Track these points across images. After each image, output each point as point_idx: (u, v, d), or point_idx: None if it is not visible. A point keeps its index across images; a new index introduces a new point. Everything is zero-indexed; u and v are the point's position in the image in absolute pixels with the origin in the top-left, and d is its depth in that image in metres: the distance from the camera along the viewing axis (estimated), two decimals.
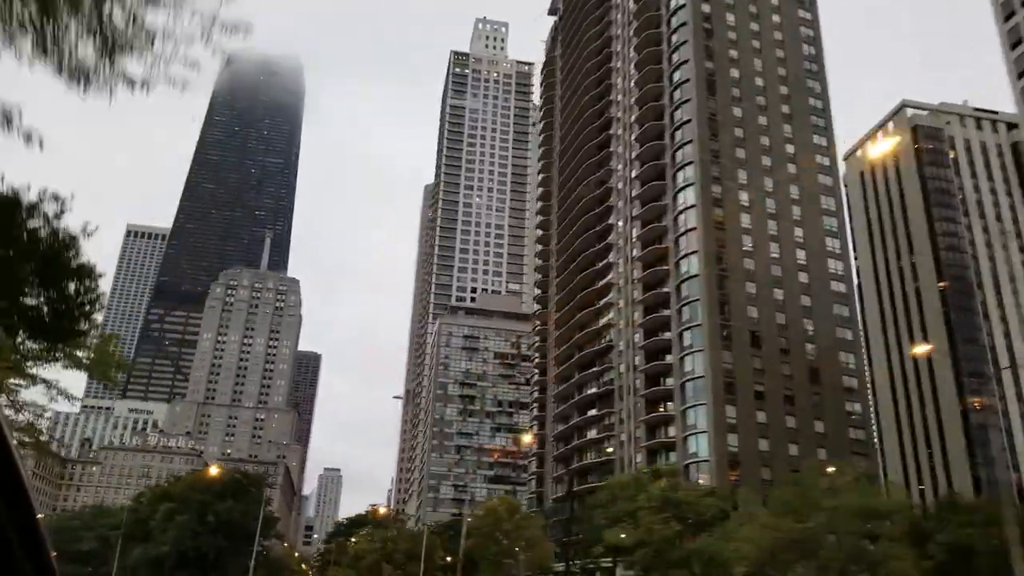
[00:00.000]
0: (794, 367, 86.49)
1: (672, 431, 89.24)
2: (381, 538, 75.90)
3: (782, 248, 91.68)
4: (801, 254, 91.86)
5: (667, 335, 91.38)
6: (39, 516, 1.49)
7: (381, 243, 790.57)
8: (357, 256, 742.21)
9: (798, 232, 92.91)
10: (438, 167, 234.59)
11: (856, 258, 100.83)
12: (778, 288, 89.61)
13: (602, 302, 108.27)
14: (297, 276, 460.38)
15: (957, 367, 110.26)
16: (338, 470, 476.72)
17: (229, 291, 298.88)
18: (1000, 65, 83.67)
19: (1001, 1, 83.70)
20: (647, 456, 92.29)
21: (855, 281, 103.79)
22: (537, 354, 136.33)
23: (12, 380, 22.57)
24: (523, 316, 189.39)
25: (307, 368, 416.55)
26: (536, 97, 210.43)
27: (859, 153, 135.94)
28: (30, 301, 15.13)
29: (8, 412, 24.92)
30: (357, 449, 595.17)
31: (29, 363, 18.78)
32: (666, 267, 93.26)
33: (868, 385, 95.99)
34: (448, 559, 73.30)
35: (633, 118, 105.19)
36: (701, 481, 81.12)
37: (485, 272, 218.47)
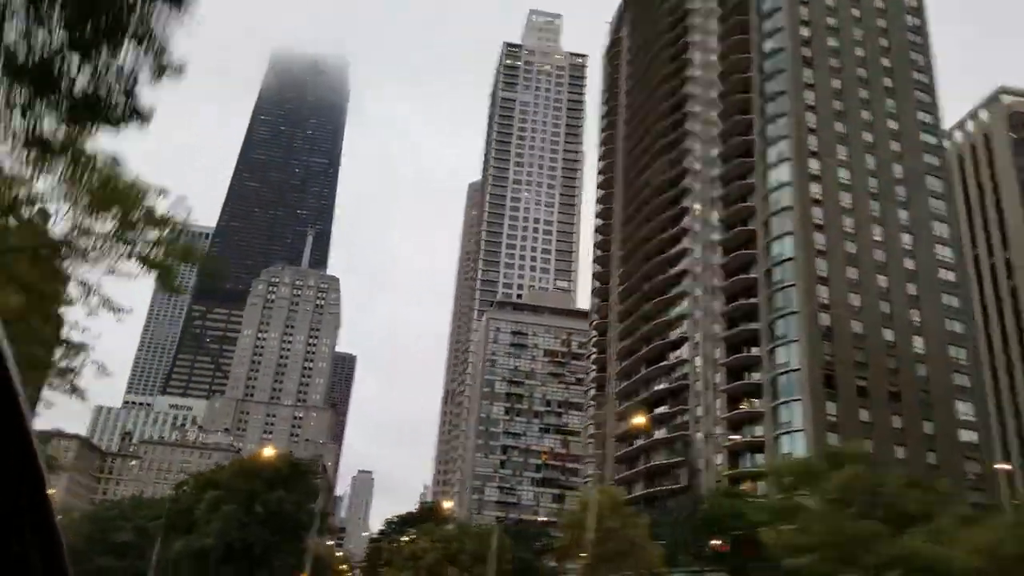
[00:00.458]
0: (900, 361, 77.86)
1: (759, 430, 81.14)
2: (443, 536, 68.81)
3: (886, 231, 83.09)
4: (906, 238, 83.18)
5: (754, 325, 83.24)
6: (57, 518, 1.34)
7: (415, 246, 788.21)
8: (390, 258, 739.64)
9: (902, 214, 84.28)
10: (486, 162, 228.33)
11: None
12: (881, 274, 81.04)
13: (674, 291, 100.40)
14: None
15: None
16: (370, 472, 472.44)
17: (271, 288, 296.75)
18: None
19: None
20: (728, 457, 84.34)
21: (968, 270, 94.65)
22: (595, 349, 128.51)
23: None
24: (574, 312, 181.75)
25: (342, 369, 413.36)
26: (589, 92, 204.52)
27: (952, 139, 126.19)
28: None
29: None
30: (387, 452, 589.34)
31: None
32: (753, 251, 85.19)
33: (983, 384, 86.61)
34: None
35: (715, 93, 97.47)
36: None
37: (532, 269, 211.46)
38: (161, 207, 14.62)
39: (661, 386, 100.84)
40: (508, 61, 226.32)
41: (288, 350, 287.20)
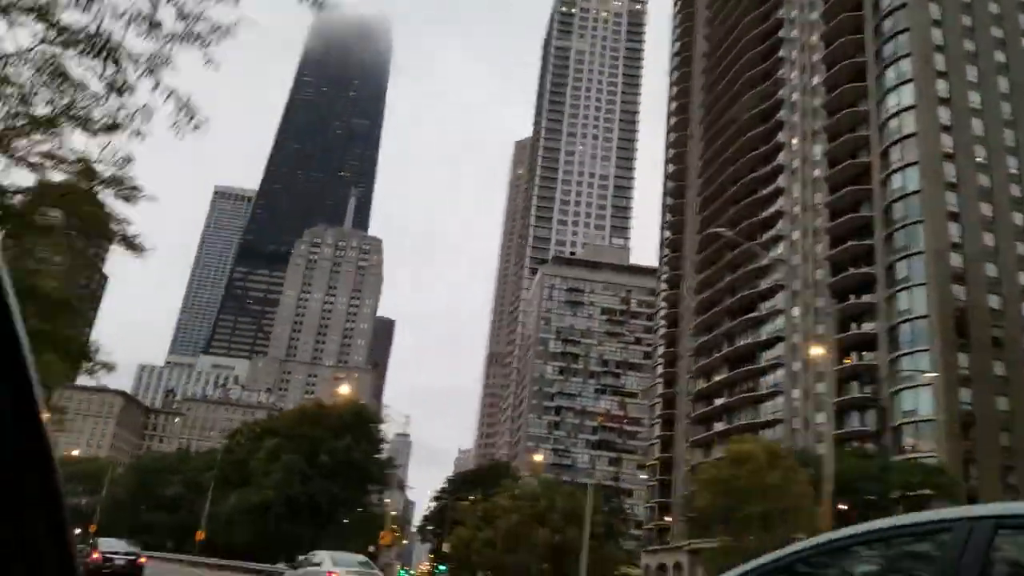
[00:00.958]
0: None
1: (868, 387, 72.43)
2: (527, 494, 61.55)
3: (1022, 164, 73.16)
4: None
5: (866, 269, 74.08)
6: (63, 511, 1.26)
7: (455, 210, 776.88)
8: (429, 223, 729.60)
9: None
10: (538, 114, 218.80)
11: None
12: (1018, 211, 71.34)
13: (767, 236, 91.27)
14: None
15: None
16: (407, 435, 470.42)
17: (313, 248, 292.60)
18: None
19: None
20: (835, 416, 75.59)
21: None
22: (665, 304, 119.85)
23: None
24: (635, 268, 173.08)
25: (381, 334, 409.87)
26: (648, 39, 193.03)
27: None
28: None
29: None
30: (420, 418, 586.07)
31: None
32: (867, 186, 75.71)
33: None
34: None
35: (817, 14, 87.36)
36: (919, 447, 64.66)
37: (587, 225, 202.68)
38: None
39: (748, 340, 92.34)
40: (563, 8, 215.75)
41: (330, 311, 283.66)
